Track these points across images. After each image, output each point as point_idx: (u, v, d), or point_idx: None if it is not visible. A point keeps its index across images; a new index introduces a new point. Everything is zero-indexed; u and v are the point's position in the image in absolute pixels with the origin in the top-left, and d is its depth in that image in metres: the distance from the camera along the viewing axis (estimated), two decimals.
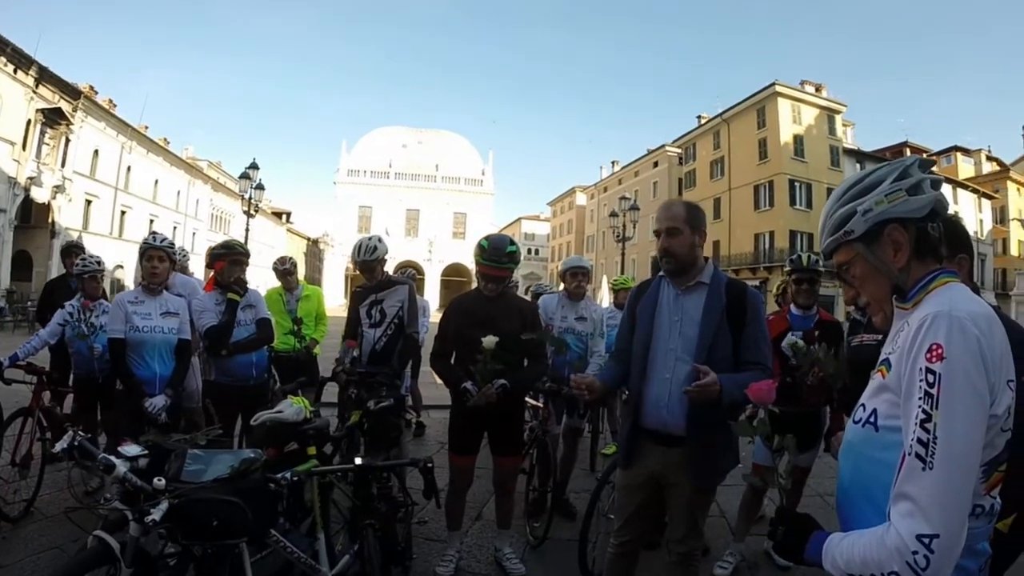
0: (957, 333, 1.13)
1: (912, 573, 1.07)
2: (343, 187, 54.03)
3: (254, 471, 2.19)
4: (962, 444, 1.09)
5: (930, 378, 1.12)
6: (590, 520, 3.45)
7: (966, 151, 50.61)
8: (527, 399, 4.40)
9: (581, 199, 67.55)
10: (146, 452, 2.02)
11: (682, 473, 2.47)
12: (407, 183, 54.63)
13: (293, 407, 2.71)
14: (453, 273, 52.82)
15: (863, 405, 1.33)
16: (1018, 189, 49.04)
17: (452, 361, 3.60)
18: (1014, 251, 45.64)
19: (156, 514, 1.80)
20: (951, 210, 1.39)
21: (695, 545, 2.59)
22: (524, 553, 3.87)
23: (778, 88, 38.38)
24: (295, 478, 2.23)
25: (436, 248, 53.19)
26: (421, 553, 3.68)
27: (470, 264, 48.56)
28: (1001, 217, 46.89)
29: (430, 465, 2.59)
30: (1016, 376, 1.20)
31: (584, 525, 3.43)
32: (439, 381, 3.62)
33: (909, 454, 1.12)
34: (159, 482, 1.88)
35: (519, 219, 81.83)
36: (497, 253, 3.46)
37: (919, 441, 1.11)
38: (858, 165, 39.15)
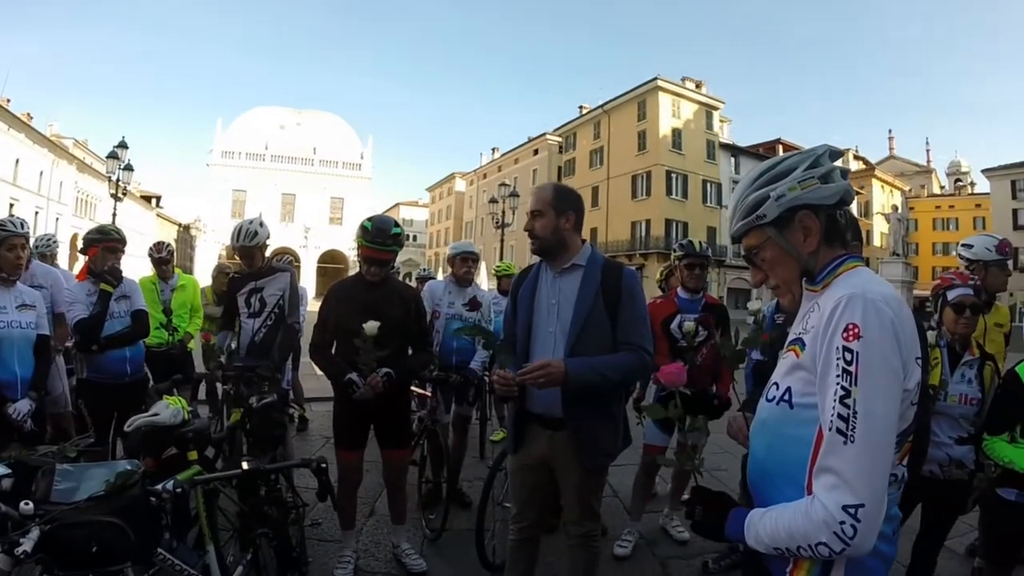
0: (872, 314, 1.19)
1: (840, 542, 1.13)
2: (216, 169, 50.55)
3: (132, 485, 1.98)
4: (881, 418, 1.16)
5: (847, 356, 1.17)
6: (485, 510, 3.46)
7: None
8: (414, 388, 4.34)
9: (460, 185, 67.42)
10: (9, 471, 1.79)
11: (569, 455, 2.51)
12: (283, 166, 52.11)
13: (169, 409, 2.48)
14: (329, 260, 51.13)
15: (776, 384, 1.38)
16: (882, 187, 55.94)
17: (333, 351, 3.47)
18: (877, 242, 50.83)
19: (27, 544, 1.57)
20: None
21: (592, 527, 2.65)
22: (422, 547, 3.84)
23: (660, 83, 40.06)
24: (178, 489, 2.03)
25: (312, 234, 51.15)
26: (317, 556, 3.54)
27: (347, 250, 47.86)
28: (866, 211, 52.62)
29: (323, 465, 2.46)
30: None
31: (479, 515, 3.44)
32: (320, 372, 3.47)
33: (829, 429, 1.18)
34: (26, 506, 1.65)
35: (397, 204, 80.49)
36: (382, 235, 3.34)
37: (839, 416, 1.16)
38: (733, 159, 42.02)
